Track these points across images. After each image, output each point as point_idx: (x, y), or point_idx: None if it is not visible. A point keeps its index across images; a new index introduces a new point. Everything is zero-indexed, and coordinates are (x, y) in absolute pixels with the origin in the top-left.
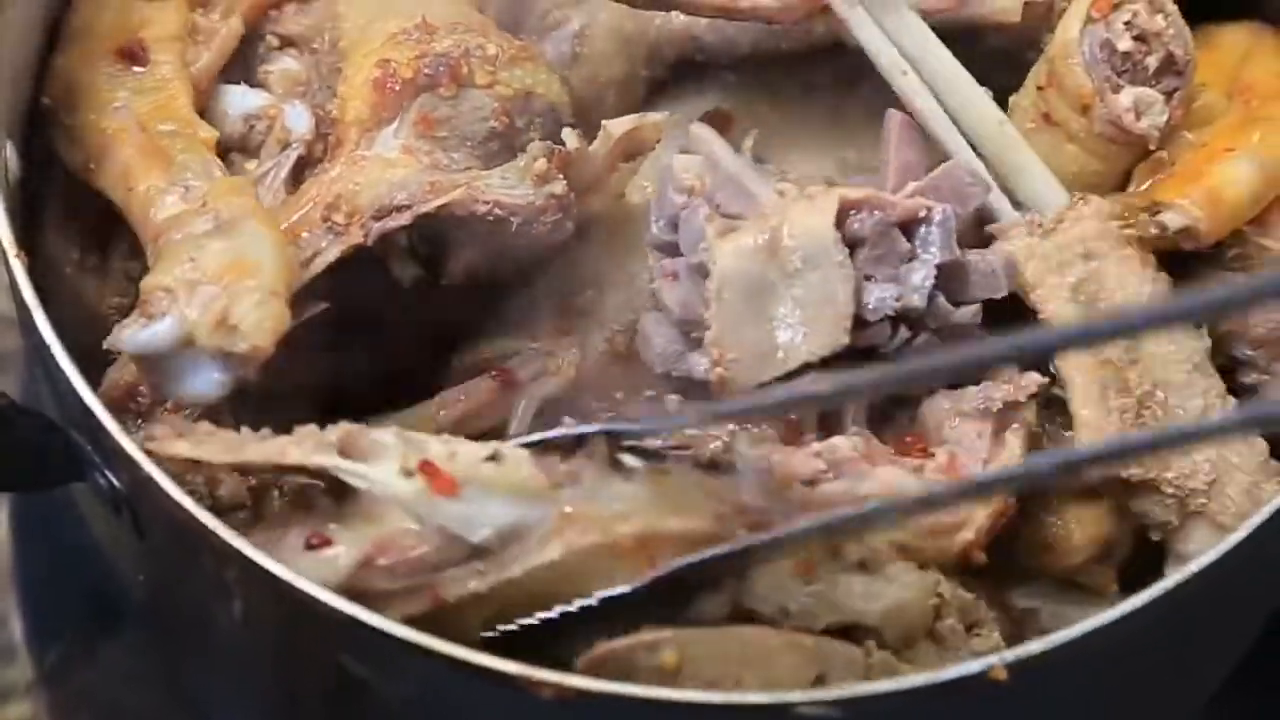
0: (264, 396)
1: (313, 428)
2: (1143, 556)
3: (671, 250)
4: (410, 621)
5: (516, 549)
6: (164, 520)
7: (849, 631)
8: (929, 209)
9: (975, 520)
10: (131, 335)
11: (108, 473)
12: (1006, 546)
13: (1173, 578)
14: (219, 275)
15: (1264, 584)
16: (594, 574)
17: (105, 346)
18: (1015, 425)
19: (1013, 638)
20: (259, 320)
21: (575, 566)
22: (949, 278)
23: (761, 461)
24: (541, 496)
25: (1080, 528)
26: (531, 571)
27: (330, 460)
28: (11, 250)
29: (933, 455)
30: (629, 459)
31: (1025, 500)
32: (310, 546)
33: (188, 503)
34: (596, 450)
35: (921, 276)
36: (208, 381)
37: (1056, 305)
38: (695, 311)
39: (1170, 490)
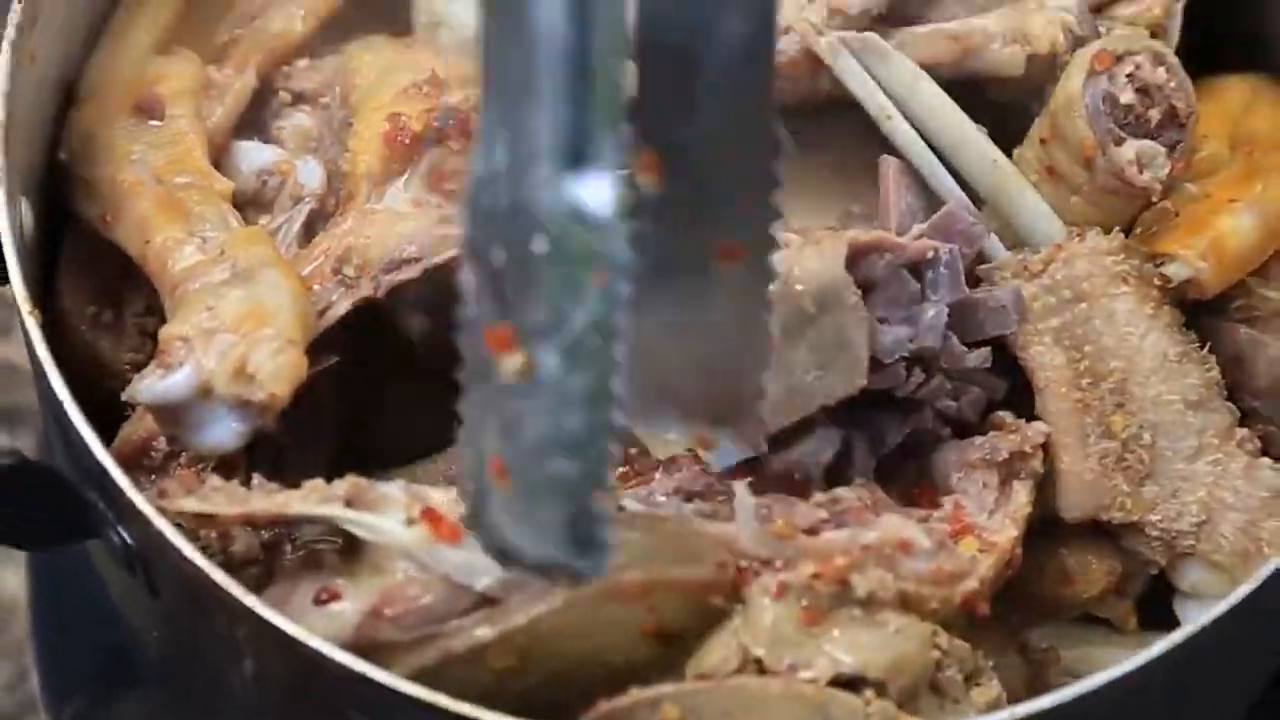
0: (278, 451)
1: (319, 481)
2: (1159, 588)
3: None
4: (424, 677)
5: (521, 597)
6: (176, 577)
7: (849, 682)
8: (936, 249)
9: (979, 569)
10: (149, 385)
11: (120, 530)
12: (1025, 585)
13: (1183, 630)
14: (237, 324)
15: (1272, 634)
16: (598, 621)
17: (124, 398)
18: (1022, 475)
19: (1032, 680)
20: (277, 368)
21: (579, 614)
22: (960, 317)
23: (761, 509)
24: None
25: (1097, 558)
26: (536, 619)
27: (336, 511)
28: (26, 307)
29: (939, 506)
30: (630, 503)
31: (1040, 537)
32: (319, 602)
33: (199, 560)
34: None
35: (933, 316)
36: (226, 431)
37: (1038, 350)
38: None
39: (1155, 533)
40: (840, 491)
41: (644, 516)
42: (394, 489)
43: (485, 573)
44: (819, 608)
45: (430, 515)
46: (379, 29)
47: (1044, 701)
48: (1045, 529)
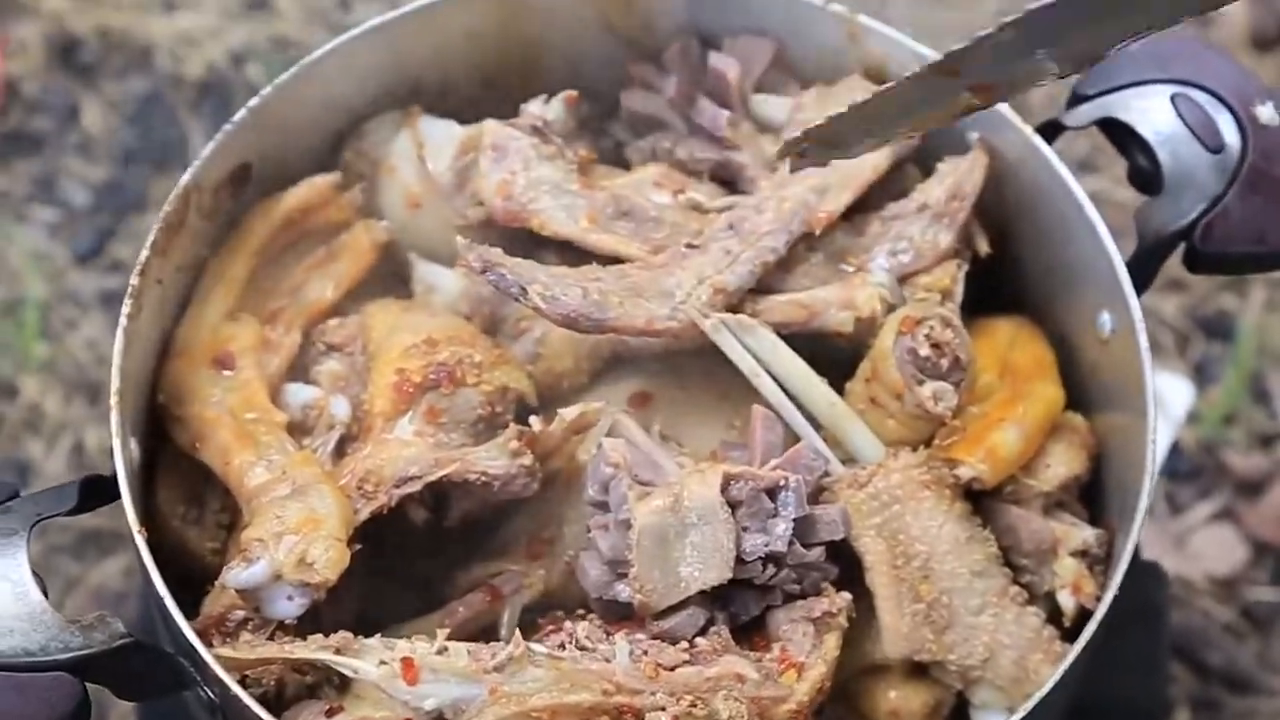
0: (315, 611)
1: (318, 636)
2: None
3: (603, 507)
4: None
5: (463, 716)
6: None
7: None
8: (786, 478)
9: (797, 695)
10: (235, 575)
11: (205, 687)
12: (865, 715)
13: None
14: (298, 527)
15: None
16: None
17: (219, 584)
18: (832, 627)
19: None
20: (328, 559)
21: None
22: (803, 527)
23: (636, 650)
24: (475, 679)
25: (917, 696)
26: None
27: (328, 657)
28: (135, 527)
29: (771, 649)
30: (538, 649)
31: (874, 680)
32: (330, 714)
33: (260, 711)
34: (516, 645)
35: (783, 529)
36: (291, 606)
37: (866, 540)
38: (621, 553)
39: (954, 668)
40: (700, 640)
41: (549, 658)
42: (372, 641)
43: (431, 698)
44: None
45: (405, 662)
46: (388, 294)
47: None
48: (878, 674)
